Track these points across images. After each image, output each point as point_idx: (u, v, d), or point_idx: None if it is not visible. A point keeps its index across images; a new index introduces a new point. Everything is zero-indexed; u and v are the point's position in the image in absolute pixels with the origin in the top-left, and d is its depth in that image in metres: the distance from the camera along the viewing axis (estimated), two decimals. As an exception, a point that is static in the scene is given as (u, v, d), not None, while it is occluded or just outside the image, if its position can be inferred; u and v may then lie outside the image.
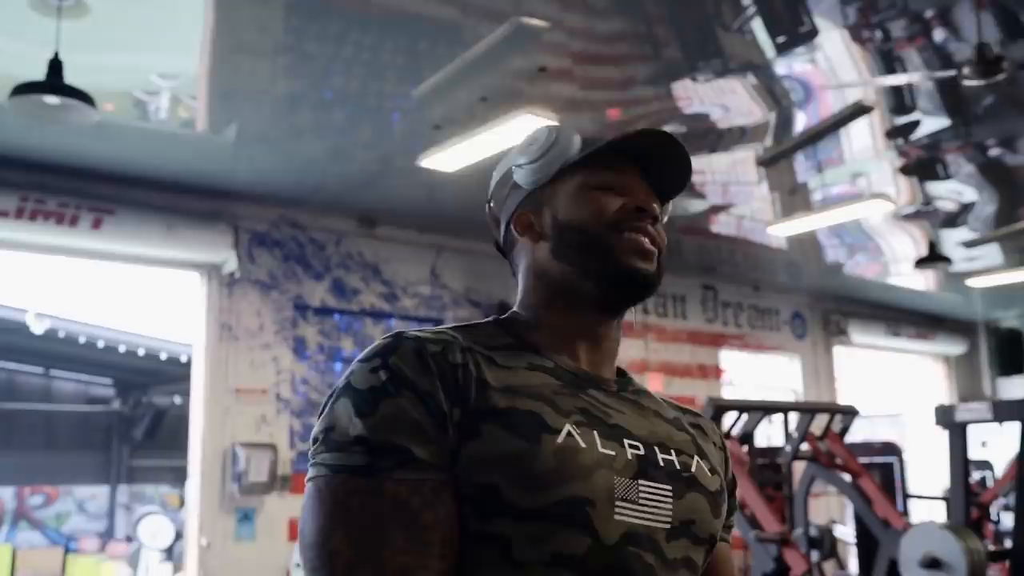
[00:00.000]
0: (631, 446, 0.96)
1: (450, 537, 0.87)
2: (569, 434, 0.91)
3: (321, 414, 0.93)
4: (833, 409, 4.93)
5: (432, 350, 0.93)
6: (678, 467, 0.99)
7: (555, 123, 1.09)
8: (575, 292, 1.05)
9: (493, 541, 0.87)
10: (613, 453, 0.93)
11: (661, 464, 0.97)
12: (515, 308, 1.10)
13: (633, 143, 1.06)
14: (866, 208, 6.06)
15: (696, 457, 1.03)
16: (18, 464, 13.39)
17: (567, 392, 0.97)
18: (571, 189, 1.07)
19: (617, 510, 0.90)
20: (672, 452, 1.00)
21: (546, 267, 1.07)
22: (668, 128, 4.83)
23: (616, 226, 1.03)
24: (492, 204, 1.15)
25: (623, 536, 0.90)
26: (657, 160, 1.08)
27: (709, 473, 1.03)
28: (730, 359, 8.80)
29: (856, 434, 5.84)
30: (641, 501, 0.93)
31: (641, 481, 0.94)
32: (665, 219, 1.14)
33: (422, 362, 0.91)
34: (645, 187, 1.08)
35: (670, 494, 0.96)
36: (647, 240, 1.04)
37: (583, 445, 0.91)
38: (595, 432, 0.94)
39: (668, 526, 0.94)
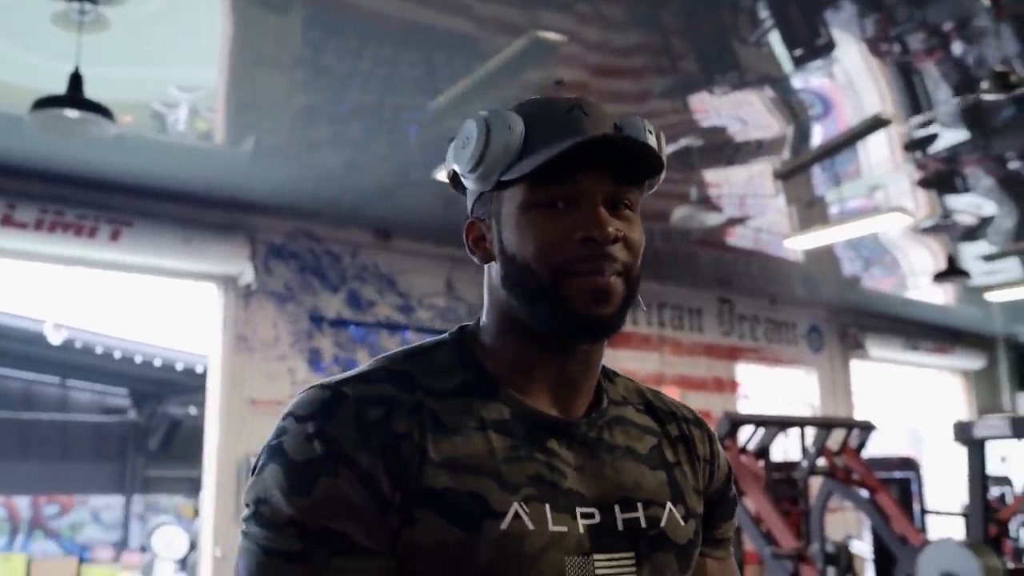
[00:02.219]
0: (584, 515, 0.87)
1: None
2: (516, 516, 0.83)
3: (253, 473, 0.85)
4: (850, 424, 4.90)
5: (373, 416, 0.83)
6: (644, 525, 0.90)
7: (488, 114, 0.93)
8: (529, 328, 0.91)
9: None
10: (564, 529, 0.85)
11: (621, 528, 0.89)
12: (482, 318, 0.97)
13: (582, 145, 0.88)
14: (884, 221, 6.04)
15: (668, 504, 0.93)
16: (34, 473, 13.47)
17: (522, 454, 0.87)
18: (513, 208, 0.91)
19: None
20: (638, 507, 0.91)
21: (499, 292, 0.93)
22: (684, 142, 4.84)
23: (564, 268, 0.87)
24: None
25: None
26: (617, 153, 0.91)
27: (683, 521, 0.94)
28: (746, 373, 8.76)
29: (873, 449, 5.80)
30: None
31: (596, 556, 0.86)
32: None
33: (363, 433, 0.82)
34: (603, 188, 0.90)
35: (631, 562, 0.88)
36: (603, 278, 0.88)
37: (531, 527, 0.83)
38: (547, 506, 0.85)
39: None
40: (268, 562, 0.80)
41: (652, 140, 0.96)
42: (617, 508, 0.89)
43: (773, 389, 8.96)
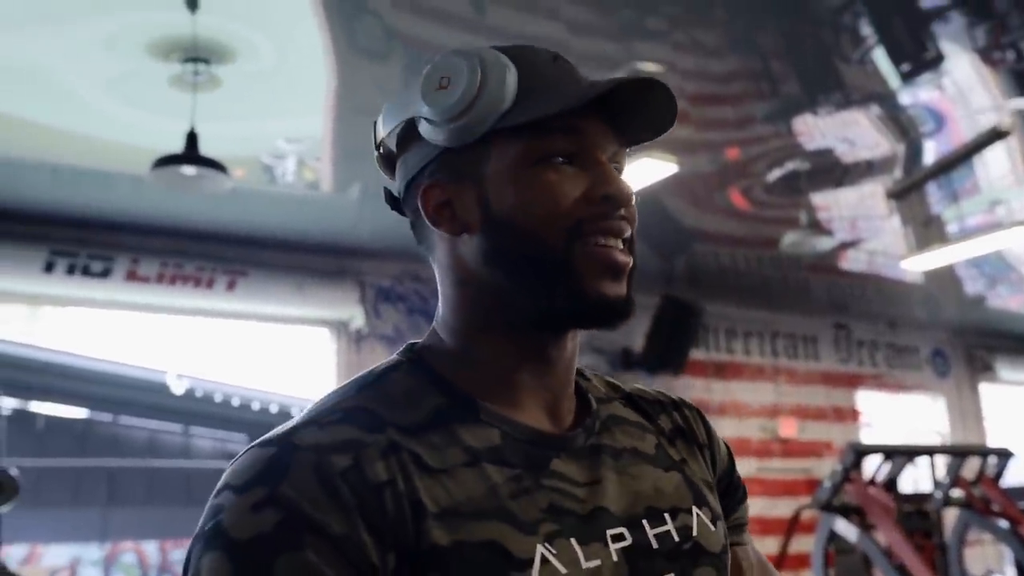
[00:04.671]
0: (615, 538, 0.73)
1: None
2: (544, 560, 0.67)
3: (184, 571, 0.65)
4: (985, 451, 4.66)
5: (340, 466, 0.65)
6: (677, 539, 0.76)
7: (481, 51, 0.76)
8: (514, 310, 0.76)
9: None
10: (598, 562, 0.70)
11: (656, 546, 0.75)
12: (435, 325, 0.83)
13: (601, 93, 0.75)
14: (1008, 237, 5.75)
15: (694, 508, 0.80)
16: (161, 519, 13.93)
17: (527, 483, 0.71)
18: (508, 161, 0.75)
19: None
20: (666, 517, 0.77)
21: (475, 273, 0.77)
22: (790, 166, 4.73)
23: (578, 231, 0.73)
24: (382, 149, 0.84)
25: None
26: (631, 104, 0.77)
27: (712, 525, 0.80)
28: (867, 400, 8.43)
29: (1011, 478, 5.49)
30: None
31: None
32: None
33: (329, 489, 0.64)
34: (612, 144, 0.77)
35: None
36: (619, 250, 0.75)
37: (564, 570, 0.68)
38: (573, 540, 0.70)
39: None
40: None
41: None
42: (646, 524, 0.75)
43: (897, 417, 8.60)
